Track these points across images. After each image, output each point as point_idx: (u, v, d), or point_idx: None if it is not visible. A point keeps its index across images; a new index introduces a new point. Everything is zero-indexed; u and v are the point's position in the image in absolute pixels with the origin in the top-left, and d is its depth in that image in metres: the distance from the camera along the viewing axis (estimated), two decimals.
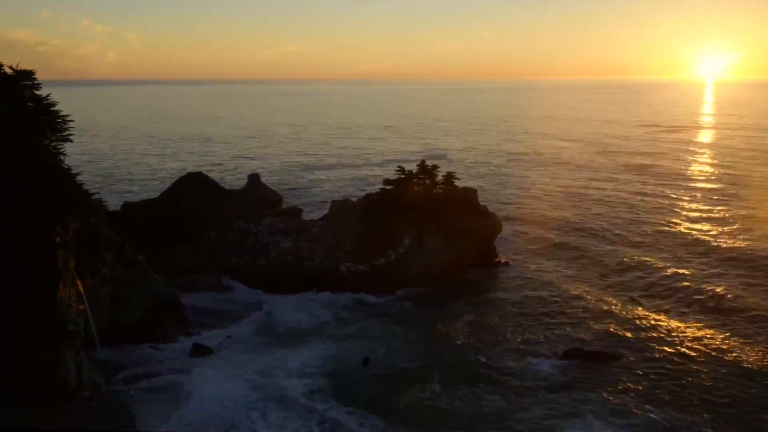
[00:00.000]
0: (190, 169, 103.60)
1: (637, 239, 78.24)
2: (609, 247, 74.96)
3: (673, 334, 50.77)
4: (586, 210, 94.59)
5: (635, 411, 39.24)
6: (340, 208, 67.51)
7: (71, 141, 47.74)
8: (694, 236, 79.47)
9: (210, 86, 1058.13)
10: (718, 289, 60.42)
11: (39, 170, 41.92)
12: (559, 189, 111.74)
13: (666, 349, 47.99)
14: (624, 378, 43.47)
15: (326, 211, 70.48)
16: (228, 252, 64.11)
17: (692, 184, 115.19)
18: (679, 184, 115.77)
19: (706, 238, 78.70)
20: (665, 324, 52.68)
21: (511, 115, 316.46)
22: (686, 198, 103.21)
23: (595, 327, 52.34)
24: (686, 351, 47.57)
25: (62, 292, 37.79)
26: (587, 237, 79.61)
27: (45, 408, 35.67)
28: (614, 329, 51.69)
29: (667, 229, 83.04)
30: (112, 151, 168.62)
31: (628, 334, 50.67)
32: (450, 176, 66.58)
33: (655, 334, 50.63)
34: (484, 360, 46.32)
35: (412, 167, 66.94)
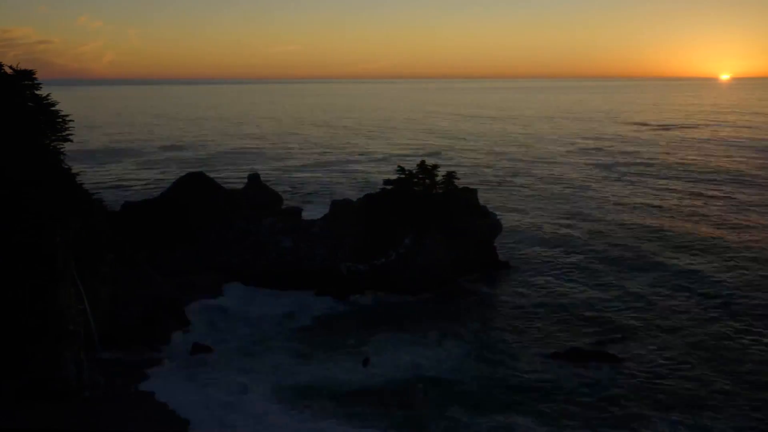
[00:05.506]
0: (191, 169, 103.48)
1: (639, 238, 78.16)
2: (610, 247, 74.89)
3: (676, 333, 50.74)
4: (587, 210, 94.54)
5: (636, 411, 39.23)
6: (340, 208, 67.44)
7: (71, 141, 47.75)
8: (698, 235, 79.38)
9: (210, 86, 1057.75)
10: (722, 288, 60.40)
11: (39, 170, 41.91)
12: (560, 189, 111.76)
13: (668, 348, 47.99)
14: (625, 378, 43.44)
15: (326, 211, 70.38)
16: (228, 252, 64.10)
17: (696, 183, 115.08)
18: (681, 182, 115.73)
19: (710, 236, 78.64)
20: (667, 323, 52.64)
21: (511, 114, 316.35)
22: (689, 195, 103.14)
23: (597, 327, 52.35)
24: (688, 351, 47.56)
25: (62, 292, 37.81)
26: (588, 236, 79.54)
27: (45, 408, 35.70)
28: (616, 329, 51.69)
29: (669, 228, 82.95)
30: (113, 151, 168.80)
31: (630, 334, 50.66)
32: (450, 176, 66.66)
33: (656, 334, 50.62)
34: (484, 361, 46.28)
35: (412, 167, 66.99)
